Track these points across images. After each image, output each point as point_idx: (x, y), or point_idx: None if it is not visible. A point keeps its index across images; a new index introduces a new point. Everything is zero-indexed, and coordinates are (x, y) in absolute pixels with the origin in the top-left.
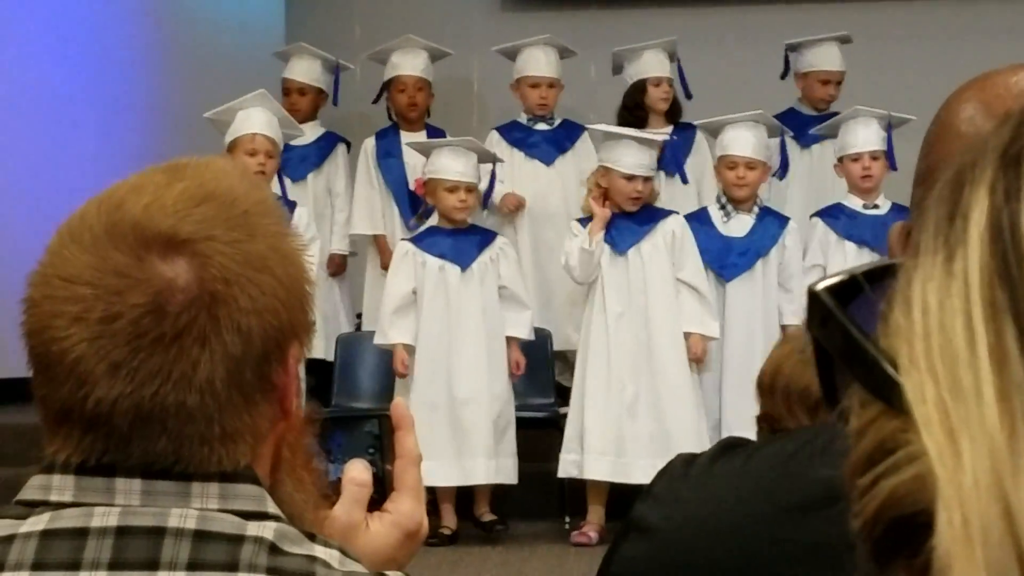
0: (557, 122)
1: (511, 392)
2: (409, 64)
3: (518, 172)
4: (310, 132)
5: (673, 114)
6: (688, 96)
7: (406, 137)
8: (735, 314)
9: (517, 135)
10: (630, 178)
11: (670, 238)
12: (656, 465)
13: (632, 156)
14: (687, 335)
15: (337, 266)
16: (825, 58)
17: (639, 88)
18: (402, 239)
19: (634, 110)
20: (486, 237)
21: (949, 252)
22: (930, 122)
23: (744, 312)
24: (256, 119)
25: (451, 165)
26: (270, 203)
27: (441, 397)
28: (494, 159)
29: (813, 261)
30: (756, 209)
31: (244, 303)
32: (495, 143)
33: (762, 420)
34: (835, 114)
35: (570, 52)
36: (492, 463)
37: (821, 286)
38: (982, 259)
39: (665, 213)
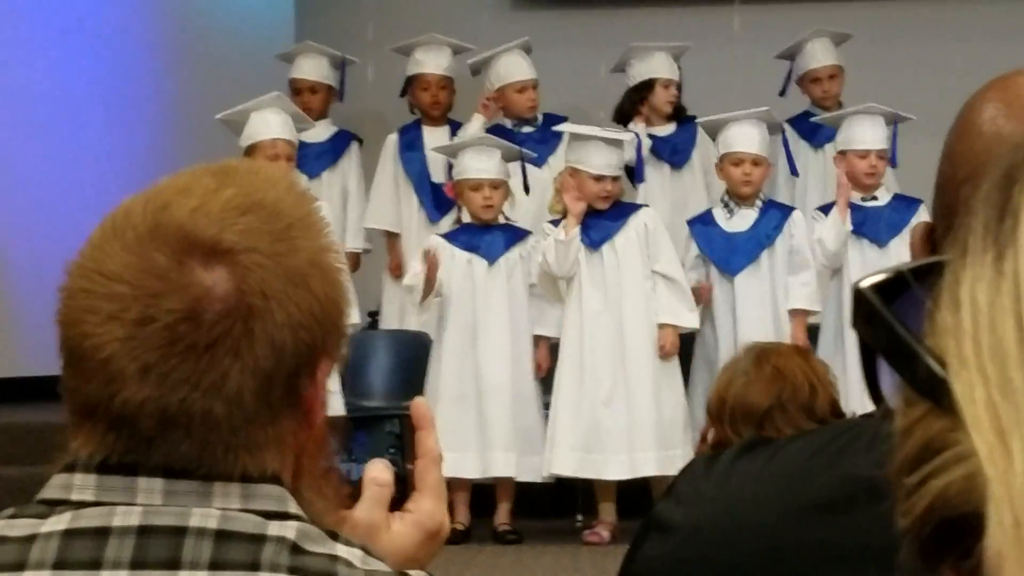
0: (539, 120)
1: (537, 389)
2: (432, 62)
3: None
4: (323, 130)
5: (675, 116)
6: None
7: (428, 133)
8: (745, 306)
9: (503, 139)
10: (599, 179)
11: (643, 231)
12: (631, 461)
13: (600, 157)
14: (660, 327)
15: (352, 264)
16: (811, 57)
17: (647, 87)
18: (436, 235)
19: (636, 108)
20: (517, 234)
21: (999, 251)
22: (936, 126)
23: (754, 303)
24: (274, 123)
25: (472, 164)
26: (315, 217)
27: (468, 388)
28: (520, 154)
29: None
30: (759, 203)
31: (280, 318)
32: None
33: (715, 448)
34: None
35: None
36: (512, 456)
37: (866, 284)
38: None
39: (635, 207)
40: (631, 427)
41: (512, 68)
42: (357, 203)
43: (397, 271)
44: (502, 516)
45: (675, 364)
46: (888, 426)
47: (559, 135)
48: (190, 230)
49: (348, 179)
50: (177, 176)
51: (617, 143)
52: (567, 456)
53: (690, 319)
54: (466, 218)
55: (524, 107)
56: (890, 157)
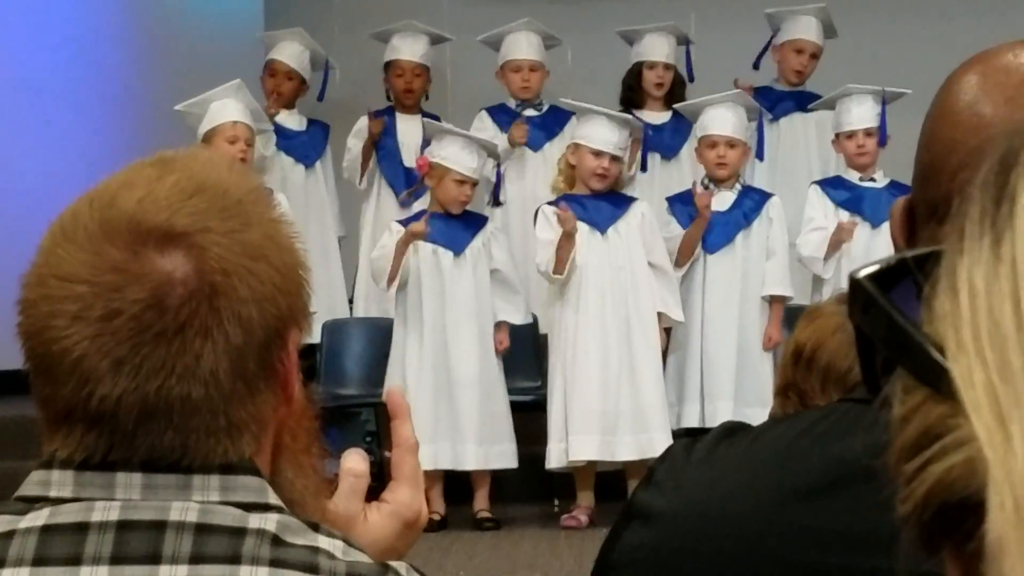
0: (545, 108)
1: (503, 377)
2: (408, 49)
3: (505, 157)
4: (295, 119)
5: (672, 100)
6: (690, 79)
7: (402, 120)
8: (714, 286)
9: (505, 119)
10: (597, 154)
11: (641, 220)
12: (636, 442)
13: (601, 132)
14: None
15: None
16: (802, 29)
17: (636, 71)
18: (395, 220)
19: (630, 92)
20: (478, 221)
21: (996, 236)
22: (928, 102)
23: (723, 284)
24: (233, 107)
25: (466, 160)
26: (261, 191)
27: (439, 380)
28: (500, 160)
29: (816, 224)
30: (738, 186)
31: (243, 293)
32: (484, 123)
33: (788, 391)
34: (809, 93)
35: (555, 39)
36: (482, 450)
37: (862, 273)
38: None
39: (631, 199)
40: (636, 410)
41: (510, 47)
42: (330, 190)
43: None
44: (480, 503)
45: (658, 348)
46: (885, 414)
47: (560, 123)
48: (140, 219)
49: (327, 168)
50: (118, 173)
51: (620, 121)
52: (585, 441)
53: (678, 313)
54: (426, 203)
55: (516, 87)
56: (879, 135)
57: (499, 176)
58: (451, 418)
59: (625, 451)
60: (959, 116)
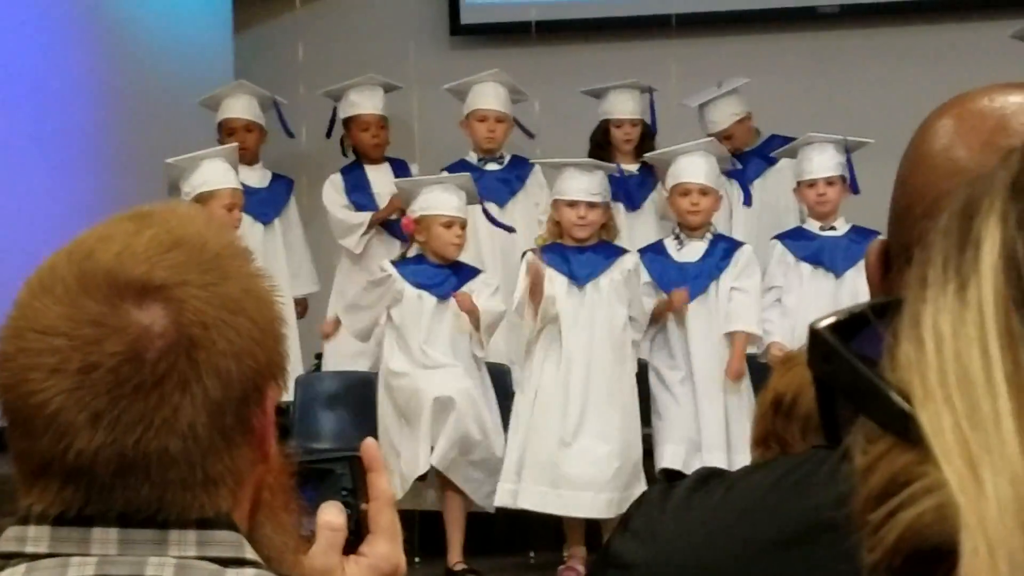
0: (506, 160)
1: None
2: (370, 103)
3: (472, 213)
4: (257, 175)
5: (642, 151)
6: (654, 132)
7: (372, 171)
8: (694, 337)
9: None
10: (572, 204)
11: (627, 275)
12: (594, 501)
13: (573, 182)
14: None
15: (301, 309)
16: (715, 119)
17: (603, 128)
18: (389, 260)
19: (599, 149)
20: (469, 272)
21: (962, 281)
22: (890, 150)
23: (702, 335)
24: (232, 174)
25: (448, 201)
26: (239, 246)
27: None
28: (480, 200)
29: (771, 283)
30: (709, 235)
31: (222, 346)
32: None
33: (769, 440)
34: (780, 137)
35: (522, 94)
36: (484, 490)
37: (823, 324)
38: (996, 287)
39: (622, 250)
40: (603, 465)
41: (476, 97)
42: (300, 245)
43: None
44: (455, 555)
45: (636, 405)
46: (847, 466)
47: (522, 177)
48: (118, 273)
49: (291, 223)
50: (95, 227)
51: (588, 167)
52: (535, 491)
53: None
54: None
55: (480, 137)
56: (850, 184)
57: (485, 210)
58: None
59: (584, 508)
60: (934, 160)
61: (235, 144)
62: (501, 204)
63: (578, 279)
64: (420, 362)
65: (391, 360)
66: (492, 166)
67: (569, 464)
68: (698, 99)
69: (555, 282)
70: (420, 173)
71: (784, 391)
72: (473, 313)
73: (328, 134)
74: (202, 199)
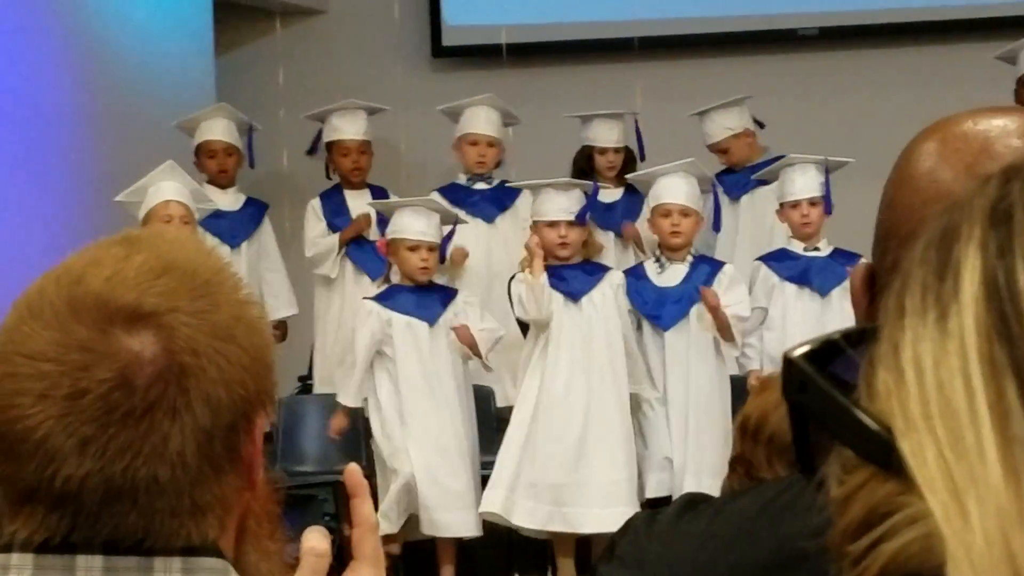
0: (496, 182)
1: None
2: (351, 128)
3: (461, 232)
4: (230, 198)
5: (625, 173)
6: (642, 158)
7: (351, 196)
8: (675, 361)
9: (458, 196)
10: (552, 224)
11: (616, 289)
12: (599, 516)
13: (550, 203)
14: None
15: (281, 333)
16: (711, 131)
17: (587, 154)
18: (364, 297)
19: (582, 175)
20: (448, 294)
21: (942, 311)
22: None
23: (684, 359)
24: (166, 187)
25: (413, 225)
26: (229, 272)
27: (434, 449)
28: (455, 219)
29: (755, 303)
30: (690, 258)
31: (212, 374)
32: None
33: (737, 463)
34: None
35: (514, 118)
36: (471, 515)
37: (797, 353)
38: (977, 316)
39: (605, 267)
40: (604, 482)
41: (469, 120)
42: (278, 268)
43: None
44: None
45: (630, 422)
46: (823, 496)
47: (511, 197)
48: (108, 298)
49: (266, 246)
50: (84, 250)
51: (564, 187)
52: (538, 510)
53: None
54: (394, 278)
55: (471, 160)
56: (825, 204)
57: (449, 236)
58: (445, 487)
59: (590, 523)
60: (919, 182)
61: (169, 162)
62: (489, 221)
63: (574, 294)
64: (410, 399)
65: (380, 391)
66: (481, 185)
67: (578, 480)
68: (699, 110)
69: (551, 300)
70: (401, 195)
71: (750, 415)
72: (474, 346)
73: (309, 152)
74: (145, 222)
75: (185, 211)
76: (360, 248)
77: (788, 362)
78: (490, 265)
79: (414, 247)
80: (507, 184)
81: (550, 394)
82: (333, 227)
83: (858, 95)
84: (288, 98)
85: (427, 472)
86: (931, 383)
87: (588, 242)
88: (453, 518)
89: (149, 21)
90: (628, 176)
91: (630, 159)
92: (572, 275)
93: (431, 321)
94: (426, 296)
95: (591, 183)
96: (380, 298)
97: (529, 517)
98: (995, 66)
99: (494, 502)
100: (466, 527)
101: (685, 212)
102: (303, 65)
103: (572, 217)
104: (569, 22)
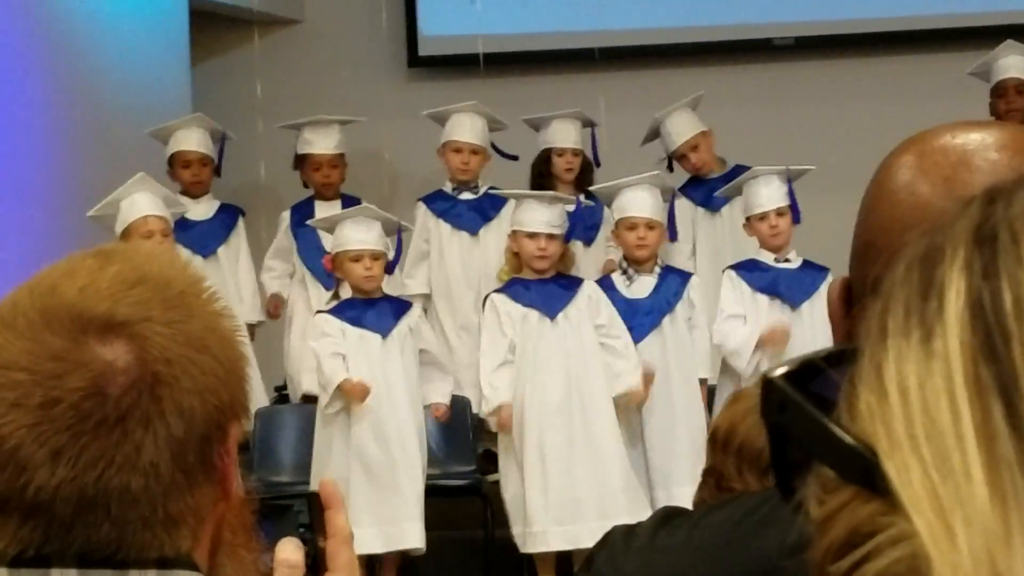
0: (482, 191)
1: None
2: (322, 143)
3: (446, 243)
4: (203, 207)
5: (582, 182)
6: (596, 164)
7: (321, 208)
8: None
9: (443, 205)
10: (532, 235)
11: (588, 302)
12: (604, 528)
13: (533, 214)
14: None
15: (249, 336)
16: (673, 136)
17: (544, 157)
18: (318, 311)
19: (542, 177)
20: (402, 306)
21: (926, 331)
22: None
23: (658, 369)
24: (143, 202)
25: (352, 235)
26: (202, 284)
27: (379, 463)
28: (398, 226)
29: (732, 311)
30: (657, 269)
31: (186, 384)
32: (423, 214)
33: (708, 475)
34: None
35: (500, 123)
36: (419, 527)
37: (776, 374)
38: (963, 337)
39: (578, 280)
40: (601, 495)
41: (453, 127)
42: (248, 275)
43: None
44: None
45: (619, 433)
46: (801, 516)
47: (496, 207)
48: (82, 308)
49: (238, 252)
50: (57, 263)
51: (548, 200)
52: (555, 531)
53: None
54: (345, 293)
55: (455, 168)
56: (792, 213)
57: (399, 246)
58: (394, 499)
59: (588, 539)
60: (897, 195)
61: (140, 174)
62: (473, 232)
63: (549, 312)
64: (376, 405)
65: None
66: (466, 195)
67: (575, 497)
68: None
69: (527, 318)
70: (382, 205)
71: (719, 425)
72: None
73: (294, 166)
74: (124, 237)
75: (164, 224)
76: (312, 254)
77: (767, 383)
78: (476, 273)
79: (356, 257)
80: (492, 191)
81: (530, 415)
82: (296, 239)
83: (832, 105)
84: (265, 108)
85: (378, 486)
86: (916, 403)
87: (564, 256)
88: (405, 529)
89: (125, 30)
90: (592, 188)
91: (587, 168)
92: (546, 291)
93: (384, 333)
94: (379, 308)
95: (574, 198)
96: (334, 312)
97: (539, 543)
98: (968, 77)
99: (535, 542)
100: (411, 539)
101: (651, 225)
102: (280, 75)
103: (553, 231)
104: (545, 32)
